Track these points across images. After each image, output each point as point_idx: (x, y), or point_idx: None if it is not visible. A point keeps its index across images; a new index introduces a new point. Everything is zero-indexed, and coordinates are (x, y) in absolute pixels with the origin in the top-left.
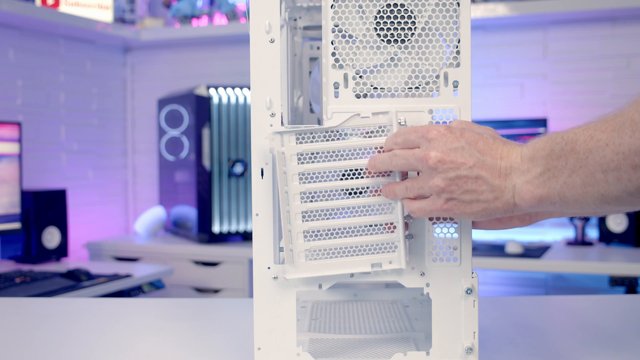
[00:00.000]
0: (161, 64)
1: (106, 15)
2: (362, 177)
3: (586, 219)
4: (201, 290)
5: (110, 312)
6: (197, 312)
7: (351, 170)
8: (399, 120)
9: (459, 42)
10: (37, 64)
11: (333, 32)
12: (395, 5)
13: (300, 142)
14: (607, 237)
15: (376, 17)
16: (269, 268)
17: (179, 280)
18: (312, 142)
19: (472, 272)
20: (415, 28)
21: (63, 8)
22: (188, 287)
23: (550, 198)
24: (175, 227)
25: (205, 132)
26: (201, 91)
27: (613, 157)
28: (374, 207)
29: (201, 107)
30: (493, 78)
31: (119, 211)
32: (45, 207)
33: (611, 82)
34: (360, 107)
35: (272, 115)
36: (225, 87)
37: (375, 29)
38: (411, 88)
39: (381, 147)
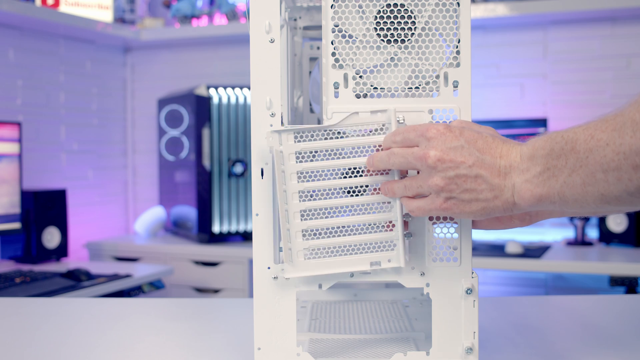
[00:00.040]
0: (161, 64)
1: (106, 15)
2: (361, 176)
3: (586, 219)
4: (201, 290)
5: (110, 312)
6: (197, 312)
7: (352, 169)
8: (398, 119)
9: (459, 42)
10: (37, 64)
11: (333, 32)
12: (395, 5)
13: (299, 141)
14: (607, 237)
15: (376, 17)
16: (269, 268)
17: (179, 280)
18: (310, 140)
19: (472, 272)
20: (415, 28)
21: (63, 8)
22: (188, 287)
23: (550, 197)
24: (175, 227)
25: (205, 132)
26: (201, 91)
27: (614, 157)
28: (372, 205)
29: (201, 107)
30: (493, 78)
31: (119, 211)
32: (45, 207)
33: (611, 82)
34: (360, 107)
35: (272, 115)
36: (225, 87)
37: (375, 29)
38: (411, 88)
39: (380, 146)
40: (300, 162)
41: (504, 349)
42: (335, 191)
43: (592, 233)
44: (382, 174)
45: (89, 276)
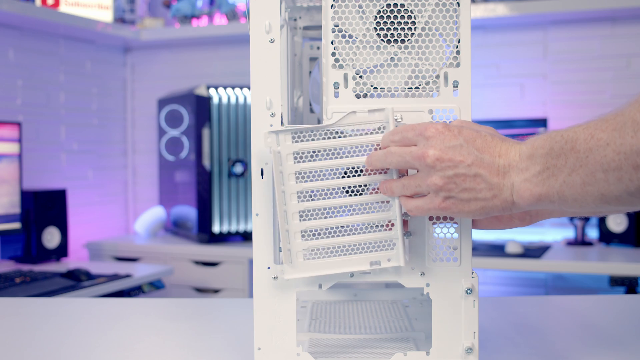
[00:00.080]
0: (161, 64)
1: (106, 15)
2: (360, 176)
3: (586, 219)
4: (201, 290)
5: (110, 312)
6: (197, 312)
7: (351, 168)
8: (396, 117)
9: (459, 42)
10: (37, 64)
11: (333, 32)
12: (395, 5)
13: (296, 141)
14: (607, 237)
15: (376, 17)
16: (269, 268)
17: (179, 280)
18: (308, 140)
19: (472, 272)
20: (415, 28)
21: (63, 8)
22: (188, 287)
23: (549, 197)
24: (175, 227)
25: (205, 132)
26: (201, 91)
27: (614, 157)
28: (371, 205)
29: (201, 107)
30: (493, 78)
31: (119, 211)
32: (45, 207)
33: (611, 82)
34: (360, 107)
35: (272, 115)
36: (225, 87)
37: (375, 29)
38: (411, 88)
39: (379, 145)
40: (299, 162)
41: (504, 349)
42: (334, 191)
43: (592, 233)
44: (380, 173)
45: (89, 276)
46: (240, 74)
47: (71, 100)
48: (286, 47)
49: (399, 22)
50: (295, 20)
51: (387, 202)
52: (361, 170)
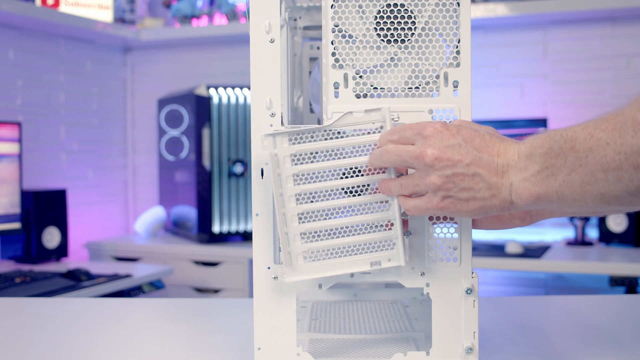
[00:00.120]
0: (161, 64)
1: (106, 15)
2: (358, 176)
3: (586, 219)
4: (201, 290)
5: (110, 312)
6: (197, 312)
7: (350, 169)
8: (392, 116)
9: (459, 42)
10: (37, 64)
11: (333, 32)
12: (395, 5)
13: (293, 143)
14: (607, 237)
15: (376, 17)
16: (269, 268)
17: (179, 280)
18: (305, 142)
19: (472, 272)
20: (415, 28)
21: (63, 8)
22: (188, 287)
23: (548, 196)
24: (175, 227)
25: (205, 132)
26: (201, 91)
27: (614, 157)
28: (370, 205)
29: (201, 107)
30: (493, 78)
31: (119, 211)
32: (45, 207)
33: (611, 82)
34: (360, 107)
35: (272, 115)
36: (225, 87)
37: (375, 29)
38: (411, 88)
39: (376, 145)
40: (296, 164)
41: (504, 349)
42: (333, 192)
43: (592, 233)
44: (379, 172)
45: (89, 276)
46: (240, 74)
47: (71, 100)
48: (286, 47)
49: (399, 22)
50: (295, 20)
51: (386, 202)
52: (359, 171)
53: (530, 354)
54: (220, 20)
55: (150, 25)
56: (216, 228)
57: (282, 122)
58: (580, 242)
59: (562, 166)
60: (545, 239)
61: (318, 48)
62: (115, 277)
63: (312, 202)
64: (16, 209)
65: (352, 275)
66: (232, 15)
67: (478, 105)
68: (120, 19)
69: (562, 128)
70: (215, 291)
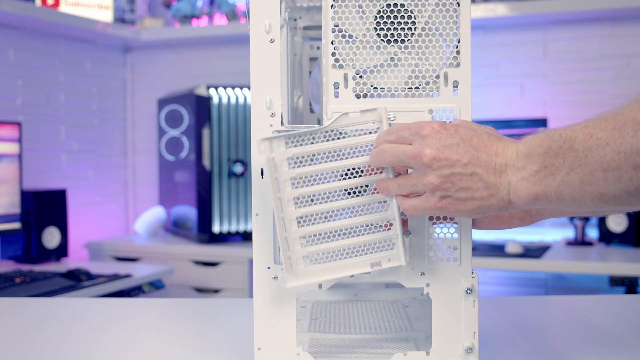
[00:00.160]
0: (161, 64)
1: (106, 15)
2: (356, 177)
3: (586, 219)
4: (201, 290)
5: (110, 312)
6: (197, 312)
7: (349, 170)
8: (389, 116)
9: (459, 42)
10: (37, 64)
11: (333, 32)
12: (395, 5)
13: (290, 147)
14: (607, 237)
15: (376, 17)
16: (269, 268)
17: (179, 280)
18: (301, 145)
19: (472, 272)
20: (415, 28)
21: (63, 8)
22: (188, 287)
23: (547, 196)
24: (175, 227)
25: (205, 132)
26: (201, 91)
27: (614, 157)
28: (369, 206)
29: (201, 107)
30: (493, 78)
31: (119, 211)
32: (45, 207)
33: (611, 82)
34: (360, 107)
35: (272, 115)
36: (225, 87)
37: (375, 29)
38: (411, 88)
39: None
40: (293, 167)
41: (504, 349)
42: (332, 194)
43: (592, 233)
44: (377, 173)
45: (89, 276)
46: (240, 74)
47: (71, 100)
48: (286, 47)
49: (399, 22)
50: (295, 20)
51: (385, 202)
52: (359, 171)
53: (530, 354)
54: (220, 20)
55: (150, 25)
56: (216, 228)
57: (282, 122)
58: (580, 242)
59: (561, 166)
60: (545, 239)
61: (318, 48)
62: (115, 277)
63: (310, 204)
64: (16, 209)
65: (352, 275)
66: (232, 15)
67: (478, 105)
68: (120, 19)
69: (561, 127)
70: (215, 291)
